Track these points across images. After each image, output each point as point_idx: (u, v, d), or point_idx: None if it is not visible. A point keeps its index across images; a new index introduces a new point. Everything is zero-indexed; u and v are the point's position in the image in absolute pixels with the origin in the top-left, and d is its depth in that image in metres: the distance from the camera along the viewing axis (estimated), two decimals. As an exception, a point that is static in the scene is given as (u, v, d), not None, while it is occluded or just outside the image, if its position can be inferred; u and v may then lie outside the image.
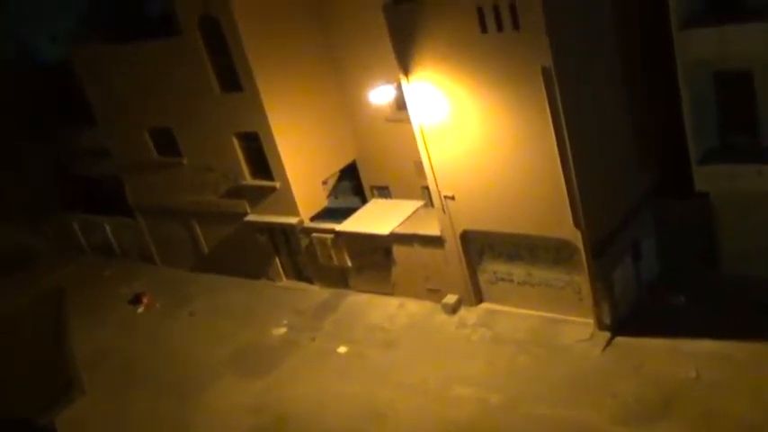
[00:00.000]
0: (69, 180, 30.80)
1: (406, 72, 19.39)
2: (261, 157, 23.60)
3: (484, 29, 17.68)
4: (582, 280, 19.42)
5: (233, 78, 22.70)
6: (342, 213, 23.64)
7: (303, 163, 23.61)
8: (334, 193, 24.92)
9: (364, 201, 24.72)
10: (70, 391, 12.86)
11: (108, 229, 30.31)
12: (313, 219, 24.00)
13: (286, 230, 24.61)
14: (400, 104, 21.33)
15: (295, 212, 23.81)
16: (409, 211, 22.58)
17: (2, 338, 12.90)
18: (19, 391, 12.93)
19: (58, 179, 30.99)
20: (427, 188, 21.22)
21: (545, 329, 20.06)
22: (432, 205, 21.36)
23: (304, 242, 24.25)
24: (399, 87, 19.95)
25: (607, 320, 19.34)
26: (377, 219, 22.74)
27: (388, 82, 20.25)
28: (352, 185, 25.34)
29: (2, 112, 29.57)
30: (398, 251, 22.41)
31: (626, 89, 19.59)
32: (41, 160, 30.49)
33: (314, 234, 23.63)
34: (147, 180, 27.19)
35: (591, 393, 17.87)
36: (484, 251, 21.03)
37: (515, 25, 17.24)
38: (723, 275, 19.67)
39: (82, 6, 29.16)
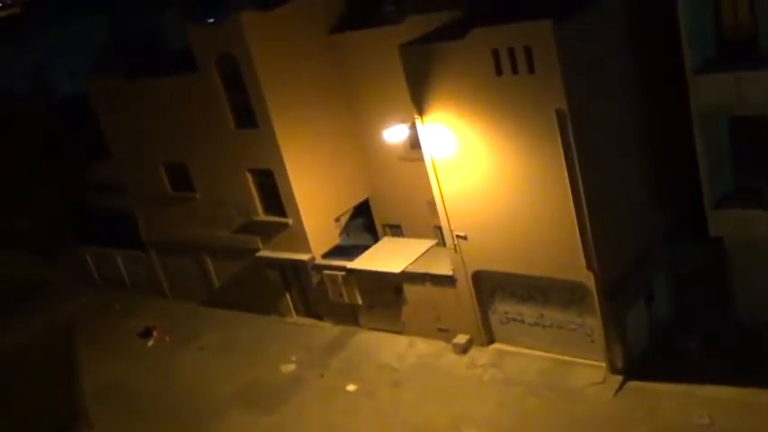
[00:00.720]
0: (83, 213, 30.89)
1: (421, 112, 19.46)
2: (274, 194, 23.64)
3: (499, 71, 17.76)
4: (594, 322, 19.23)
5: (248, 115, 22.84)
6: (353, 251, 23.58)
7: (316, 200, 23.62)
8: (346, 230, 24.86)
9: (376, 239, 24.67)
10: (77, 424, 12.71)
11: (120, 261, 30.32)
12: (325, 256, 23.92)
13: (297, 267, 24.53)
14: (414, 144, 21.36)
15: (307, 249, 23.76)
16: (421, 250, 22.49)
17: (12, 371, 12.80)
18: (27, 425, 12.78)
19: (73, 211, 31.09)
20: (440, 227, 21.14)
21: (556, 372, 19.82)
22: (444, 245, 21.25)
23: (315, 279, 24.16)
24: (413, 127, 19.99)
25: (620, 364, 19.10)
26: (389, 257, 22.66)
27: (403, 121, 20.31)
28: (364, 223, 25.28)
29: (19, 144, 29.78)
30: (409, 290, 22.28)
31: (642, 132, 19.58)
32: (57, 192, 30.63)
33: (325, 271, 23.55)
34: (161, 214, 27.24)
35: (603, 438, 17.58)
36: (495, 291, 20.88)
37: (530, 68, 17.31)
38: (737, 320, 19.42)
39: (101, 42, 29.51)
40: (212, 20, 23.50)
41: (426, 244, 22.78)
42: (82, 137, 29.07)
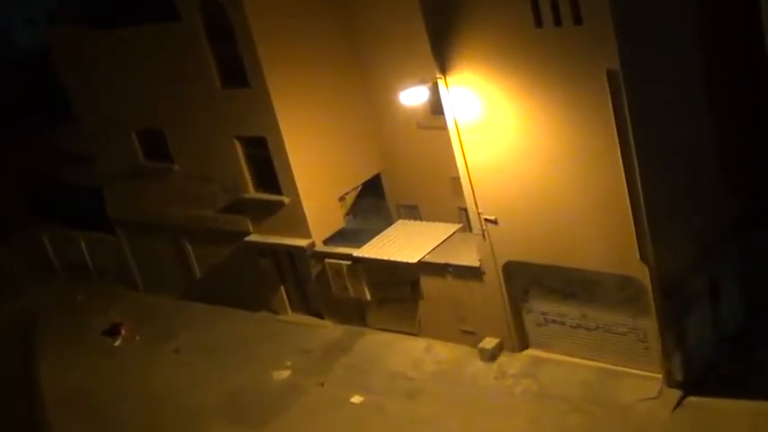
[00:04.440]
0: (41, 187, 31.05)
1: (444, 71, 19.44)
2: (267, 167, 23.74)
3: (539, 22, 17.71)
4: (649, 325, 19.26)
5: (238, 72, 22.89)
6: (361, 236, 23.67)
7: (317, 175, 23.71)
8: (352, 211, 24.96)
9: (389, 222, 24.74)
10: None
11: (83, 246, 30.51)
12: (327, 241, 24.05)
13: (294, 254, 24.67)
14: (435, 109, 21.38)
15: (305, 233, 23.88)
16: (442, 237, 22.57)
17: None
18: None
19: (29, 186, 31.26)
20: (465, 209, 21.21)
21: (602, 384, 19.89)
22: (470, 230, 21.34)
23: (315, 269, 24.29)
24: (435, 88, 19.98)
25: (678, 376, 19.15)
26: (403, 244, 22.76)
27: (422, 82, 20.29)
28: (374, 203, 25.38)
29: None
30: (428, 284, 22.37)
31: (711, 102, 19.49)
32: (10, 164, 30.79)
33: (327, 260, 23.66)
34: (132, 190, 27.42)
35: (656, 464, 17.69)
36: (531, 287, 20.94)
37: (576, 19, 17.23)
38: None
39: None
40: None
41: (449, 229, 22.85)
42: (40, 97, 29.17)
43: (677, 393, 19.08)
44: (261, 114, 22.92)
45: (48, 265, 31.55)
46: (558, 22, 17.48)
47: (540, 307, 21.04)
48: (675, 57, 18.60)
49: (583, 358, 20.64)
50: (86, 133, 27.61)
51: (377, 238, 23.44)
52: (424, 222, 23.92)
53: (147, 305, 28.55)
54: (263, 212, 24.55)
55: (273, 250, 24.97)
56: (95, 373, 25.29)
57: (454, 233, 22.70)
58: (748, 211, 20.29)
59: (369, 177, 25.00)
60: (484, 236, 20.60)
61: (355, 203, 25.06)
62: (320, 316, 25.22)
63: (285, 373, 23.39)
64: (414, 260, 22.06)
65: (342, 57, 23.76)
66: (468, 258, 21.34)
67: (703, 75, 19.35)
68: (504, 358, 21.58)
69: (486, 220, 20.38)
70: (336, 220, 24.47)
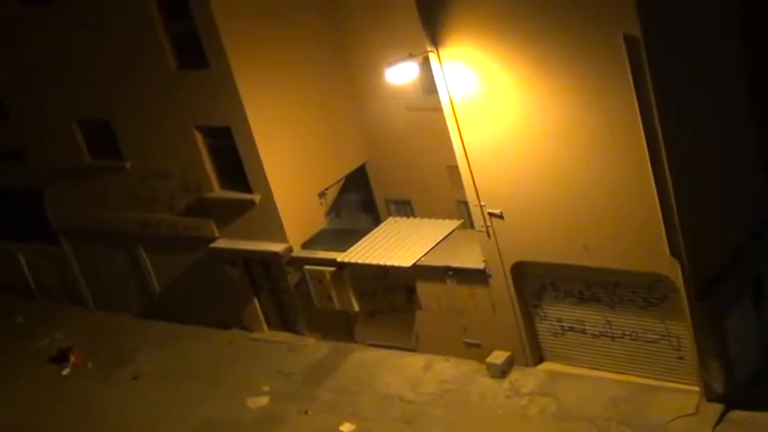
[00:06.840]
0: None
1: (436, 42, 19.40)
2: (234, 160, 23.71)
3: (545, -18, 17.75)
4: (683, 331, 19.31)
5: (196, 51, 22.81)
6: (346, 238, 23.66)
7: (293, 168, 23.71)
8: (335, 209, 24.95)
9: (378, 221, 24.76)
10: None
11: (22, 259, 30.43)
12: (306, 245, 24.05)
13: (268, 261, 24.64)
14: (428, 87, 21.34)
15: (281, 237, 23.87)
16: (440, 236, 22.56)
17: None
18: None
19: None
20: (465, 203, 21.21)
21: (631, 401, 19.91)
22: (472, 227, 21.34)
23: (293, 278, 24.29)
24: (426, 63, 19.96)
25: (719, 388, 19.18)
26: (395, 245, 22.75)
27: (412, 56, 20.27)
28: (360, 199, 25.40)
29: None
30: (425, 291, 22.40)
31: (748, 77, 19.49)
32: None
33: (307, 266, 23.65)
34: (77, 192, 27.34)
35: (696, 491, 17.75)
36: (545, 291, 20.98)
37: (589, -24, 17.29)
38: None
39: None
40: None
41: (447, 226, 22.87)
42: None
43: (718, 408, 19.11)
44: (224, 99, 22.85)
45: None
46: (567, -20, 17.54)
47: (555, 313, 21.08)
48: (709, 24, 18.58)
49: (607, 371, 20.69)
50: (19, 126, 27.52)
51: (364, 239, 23.40)
52: (419, 219, 23.91)
53: (98, 325, 28.49)
54: (231, 214, 24.51)
55: (244, 257, 24.94)
56: (40, 409, 25.21)
57: (454, 231, 22.70)
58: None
59: (352, 169, 25.02)
60: (488, 233, 20.62)
61: (338, 200, 25.06)
62: (301, 332, 25.23)
63: (262, 400, 23.39)
64: (408, 264, 22.00)
65: (318, 30, 23.72)
66: (471, 260, 21.36)
67: (744, 46, 19.31)
68: (515, 374, 21.64)
69: (490, 214, 20.38)
70: (316, 220, 24.48)
